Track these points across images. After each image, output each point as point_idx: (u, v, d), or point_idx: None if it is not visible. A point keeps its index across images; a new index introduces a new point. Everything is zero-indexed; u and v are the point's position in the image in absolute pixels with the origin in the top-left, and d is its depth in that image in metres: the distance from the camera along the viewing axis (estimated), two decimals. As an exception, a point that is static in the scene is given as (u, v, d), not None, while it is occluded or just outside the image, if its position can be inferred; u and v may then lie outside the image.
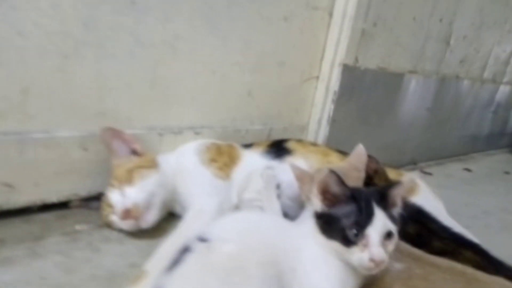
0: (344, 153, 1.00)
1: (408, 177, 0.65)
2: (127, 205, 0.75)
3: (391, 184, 0.65)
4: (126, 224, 0.76)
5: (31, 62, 0.73)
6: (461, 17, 1.63)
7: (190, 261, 0.55)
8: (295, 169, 0.81)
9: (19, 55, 0.72)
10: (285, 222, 0.73)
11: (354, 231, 0.56)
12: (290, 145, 1.01)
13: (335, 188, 0.59)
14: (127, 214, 0.75)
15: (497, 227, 1.22)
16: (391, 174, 0.97)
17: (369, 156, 0.88)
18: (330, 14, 1.20)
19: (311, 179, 0.77)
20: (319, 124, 1.28)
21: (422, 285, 0.61)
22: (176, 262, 0.56)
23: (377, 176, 0.87)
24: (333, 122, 1.27)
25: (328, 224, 0.59)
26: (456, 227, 0.91)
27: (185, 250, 0.57)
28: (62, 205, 0.85)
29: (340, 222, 0.57)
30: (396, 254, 0.66)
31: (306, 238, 0.63)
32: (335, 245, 0.58)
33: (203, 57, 0.97)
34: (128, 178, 0.77)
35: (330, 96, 1.25)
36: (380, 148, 1.50)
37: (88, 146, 0.84)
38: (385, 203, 0.60)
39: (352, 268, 0.59)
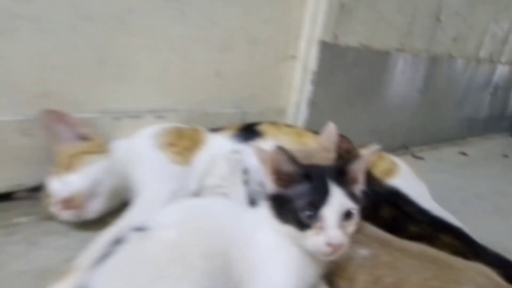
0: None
1: (368, 149, 0.57)
2: (67, 193, 0.67)
3: (350, 159, 0.58)
4: (67, 215, 0.69)
5: (-46, 37, 0.66)
6: (452, -9, 1.53)
7: (120, 252, 0.48)
8: (259, 151, 0.73)
9: None
10: (240, 208, 0.66)
11: (308, 212, 0.51)
12: (262, 127, 0.93)
13: (286, 167, 0.53)
14: (67, 203, 0.67)
15: (488, 211, 1.15)
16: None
17: (341, 136, 0.80)
18: (305, -13, 1.11)
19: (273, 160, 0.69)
20: (298, 107, 1.20)
21: (388, 273, 0.54)
22: (105, 254, 0.49)
23: (348, 156, 0.80)
24: (313, 104, 1.19)
25: (282, 207, 0.54)
26: (439, 211, 0.85)
27: (117, 241, 0.50)
28: (5, 197, 0.78)
29: (293, 204, 0.52)
30: (362, 239, 0.59)
31: (261, 225, 0.56)
32: (290, 229, 0.52)
33: (160, 33, 0.89)
34: (70, 165, 0.70)
35: (309, 77, 1.16)
36: (367, 131, 1.43)
37: (31, 131, 0.77)
38: (343, 180, 0.54)
39: (311, 255, 0.53)
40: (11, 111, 0.74)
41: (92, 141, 0.77)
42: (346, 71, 1.25)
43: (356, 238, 0.59)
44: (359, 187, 0.56)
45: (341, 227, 0.51)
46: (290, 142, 0.91)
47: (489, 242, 0.70)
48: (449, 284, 0.50)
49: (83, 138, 0.77)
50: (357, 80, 1.29)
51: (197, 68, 0.98)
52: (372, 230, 0.62)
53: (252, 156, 0.76)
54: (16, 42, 0.72)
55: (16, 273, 0.59)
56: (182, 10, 0.91)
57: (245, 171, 0.81)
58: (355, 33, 1.22)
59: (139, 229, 0.51)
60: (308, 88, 1.17)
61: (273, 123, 0.99)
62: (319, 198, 0.51)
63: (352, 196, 0.53)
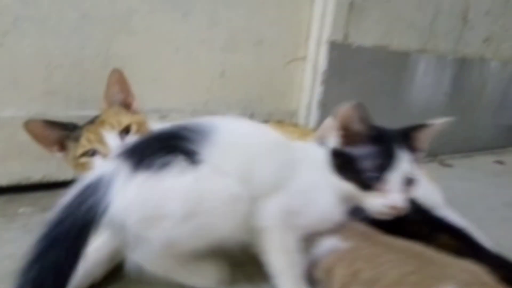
0: None
1: (439, 120, 0.60)
2: None
3: (420, 124, 0.58)
4: None
5: (-34, 37, 0.72)
6: (480, -11, 1.45)
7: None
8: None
9: (-48, 30, 0.71)
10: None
11: (373, 174, 0.52)
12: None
13: (357, 125, 0.53)
14: None
15: None
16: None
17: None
18: (313, -13, 1.11)
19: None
20: (309, 109, 1.18)
21: (367, 267, 0.50)
22: None
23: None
24: (324, 106, 1.16)
25: (345, 165, 0.55)
26: (450, 215, 0.79)
27: None
28: (13, 189, 0.83)
29: (358, 164, 0.53)
30: (345, 232, 0.56)
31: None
32: (350, 187, 0.54)
33: (162, 34, 0.91)
34: (123, 128, 0.70)
35: (319, 78, 1.14)
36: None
37: (37, 127, 0.81)
38: (410, 145, 0.55)
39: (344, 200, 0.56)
40: (19, 108, 0.79)
41: (137, 114, 0.76)
42: (359, 72, 1.21)
43: (339, 230, 0.57)
44: (421, 154, 0.57)
45: (403, 191, 0.52)
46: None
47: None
48: (427, 280, 0.45)
49: (127, 107, 0.76)
50: (372, 81, 1.25)
51: (201, 68, 0.99)
52: (357, 224, 0.58)
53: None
54: (23, 42, 0.77)
55: (8, 255, 0.62)
56: (185, 11, 0.93)
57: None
58: (368, 33, 1.18)
59: None
60: (318, 89, 1.15)
61: (279, 122, 0.98)
62: (386, 161, 0.52)
63: (414, 162, 0.54)
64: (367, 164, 0.53)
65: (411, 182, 0.53)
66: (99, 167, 0.63)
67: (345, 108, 0.53)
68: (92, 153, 0.69)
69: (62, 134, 0.71)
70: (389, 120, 1.35)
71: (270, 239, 0.55)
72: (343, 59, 1.15)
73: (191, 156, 0.50)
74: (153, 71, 0.92)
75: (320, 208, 0.56)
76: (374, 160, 0.52)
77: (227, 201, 0.50)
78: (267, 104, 1.14)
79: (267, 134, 0.60)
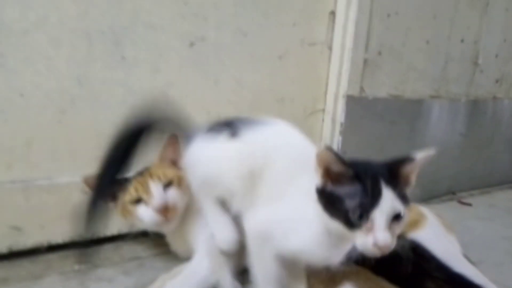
0: None
1: (423, 152, 0.59)
2: (171, 202, 0.79)
3: (404, 158, 0.57)
4: (156, 218, 0.78)
5: (33, 117, 0.84)
6: (488, 35, 1.53)
7: None
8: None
9: (22, 112, 0.82)
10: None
11: (358, 214, 0.53)
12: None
13: (336, 166, 0.54)
14: (165, 210, 0.78)
15: None
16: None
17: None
18: (330, 48, 1.21)
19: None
20: (329, 157, 1.25)
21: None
22: None
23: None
24: (343, 153, 1.24)
25: (331, 204, 0.55)
26: (466, 268, 0.82)
27: None
28: (67, 246, 0.92)
29: (343, 203, 0.54)
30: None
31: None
32: (339, 226, 0.55)
33: (196, 100, 1.02)
34: (169, 181, 0.82)
35: (337, 128, 1.23)
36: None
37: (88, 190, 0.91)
38: (395, 181, 0.54)
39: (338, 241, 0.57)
40: (74, 173, 0.90)
41: (180, 170, 0.85)
42: (376, 120, 1.29)
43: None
44: (410, 188, 0.57)
45: (390, 229, 0.53)
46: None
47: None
48: None
49: (174, 163, 0.87)
50: (388, 129, 1.32)
51: (230, 127, 1.09)
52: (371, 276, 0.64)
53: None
54: (78, 118, 0.88)
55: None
56: (215, 79, 1.04)
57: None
58: (382, 84, 1.27)
59: None
60: (337, 138, 1.23)
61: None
62: (369, 200, 0.52)
63: (402, 197, 0.54)
64: (350, 203, 0.53)
65: (398, 218, 0.53)
66: (142, 214, 0.78)
67: (321, 152, 0.54)
68: (137, 201, 0.79)
69: (114, 186, 0.82)
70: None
71: (248, 243, 0.67)
72: (360, 110, 1.24)
73: (232, 133, 0.70)
74: (187, 133, 1.03)
75: (301, 241, 0.59)
76: (356, 199, 0.53)
77: (236, 160, 0.67)
78: (290, 155, 1.22)
79: (302, 150, 0.68)
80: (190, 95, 1.01)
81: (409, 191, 0.56)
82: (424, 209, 1.01)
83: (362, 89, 1.23)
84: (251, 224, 0.65)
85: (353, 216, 0.53)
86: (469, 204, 1.52)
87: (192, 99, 1.01)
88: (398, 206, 0.53)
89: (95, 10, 0.84)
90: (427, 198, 1.51)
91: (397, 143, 1.38)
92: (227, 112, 1.07)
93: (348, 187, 0.54)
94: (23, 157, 0.85)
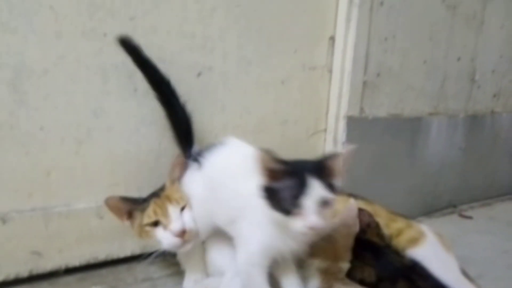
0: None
1: (346, 148, 0.73)
2: (188, 226, 0.85)
3: (328, 155, 0.70)
4: (174, 241, 0.83)
5: (52, 149, 0.89)
6: (484, 53, 1.58)
7: None
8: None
9: (42, 144, 0.88)
10: None
11: (291, 202, 0.64)
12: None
13: (273, 165, 0.66)
14: (183, 234, 0.83)
15: None
16: (399, 222, 0.97)
17: (361, 210, 0.89)
18: (330, 71, 1.26)
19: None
20: (332, 175, 1.30)
21: None
22: None
23: (369, 229, 0.88)
24: (346, 171, 1.28)
25: (271, 197, 0.67)
26: (467, 286, 0.86)
27: None
28: (84, 268, 0.97)
29: (279, 195, 0.65)
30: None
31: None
32: (277, 215, 0.66)
33: (204, 125, 1.06)
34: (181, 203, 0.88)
35: (339, 148, 1.27)
36: (408, 192, 1.47)
37: (104, 214, 0.96)
38: (322, 173, 0.66)
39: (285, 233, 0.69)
40: (90, 200, 0.95)
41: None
42: (376, 139, 1.33)
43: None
44: (338, 179, 0.68)
45: (319, 213, 0.64)
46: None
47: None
48: None
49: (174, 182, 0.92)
50: (388, 146, 1.37)
51: (236, 150, 1.14)
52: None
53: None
54: (94, 148, 0.94)
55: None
56: (222, 106, 1.10)
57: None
58: (381, 105, 1.32)
59: None
60: (339, 158, 1.28)
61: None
62: (299, 190, 0.63)
63: (330, 187, 0.65)
64: (285, 195, 0.64)
65: (327, 203, 0.65)
66: (161, 237, 0.83)
67: (259, 155, 0.65)
68: (155, 223, 0.84)
69: (131, 206, 0.88)
70: (407, 178, 1.46)
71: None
72: (360, 130, 1.28)
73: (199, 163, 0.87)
74: (196, 158, 1.08)
75: (260, 239, 0.72)
76: (289, 191, 0.64)
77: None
78: (294, 174, 1.27)
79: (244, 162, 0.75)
80: (198, 121, 1.06)
81: (337, 182, 0.68)
82: (424, 227, 1.04)
83: (362, 109, 1.28)
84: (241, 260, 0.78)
85: (288, 205, 0.64)
86: (470, 217, 1.56)
87: (201, 125, 1.07)
88: (325, 194, 0.64)
89: (109, 47, 0.90)
90: (429, 212, 1.56)
91: (398, 160, 1.42)
92: (234, 135, 1.13)
93: (283, 182, 0.65)
94: (43, 186, 0.90)
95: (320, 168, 0.66)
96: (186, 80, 1.02)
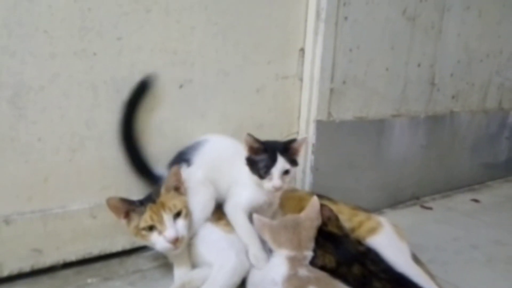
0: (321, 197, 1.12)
1: (301, 137, 1.23)
2: (182, 234, 0.94)
3: (292, 139, 1.02)
4: (166, 246, 0.93)
5: (49, 158, 0.99)
6: (443, 59, 1.73)
7: None
8: (257, 220, 0.97)
9: (40, 154, 0.98)
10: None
11: (264, 170, 0.96)
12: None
13: (254, 144, 0.98)
14: (176, 240, 0.92)
15: (480, 262, 1.24)
16: (360, 216, 1.11)
17: (323, 205, 1.01)
18: (301, 80, 1.39)
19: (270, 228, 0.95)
20: (304, 173, 1.43)
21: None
22: None
23: (330, 222, 1.00)
24: (316, 170, 1.42)
25: (252, 165, 0.99)
26: (413, 269, 0.99)
27: None
28: (80, 262, 1.08)
29: (257, 165, 0.97)
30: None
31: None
32: (255, 177, 0.98)
33: (186, 133, 1.18)
34: (178, 211, 0.97)
35: (310, 148, 1.41)
36: (375, 187, 1.62)
37: (96, 214, 1.07)
38: (287, 152, 0.98)
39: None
40: (83, 201, 1.06)
41: (183, 195, 1.01)
42: (343, 140, 1.47)
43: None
44: (298, 157, 1.01)
45: (281, 178, 0.96)
46: (291, 206, 1.13)
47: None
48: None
49: (177, 189, 1.01)
50: (355, 146, 1.51)
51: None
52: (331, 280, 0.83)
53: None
54: (86, 155, 1.04)
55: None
56: (202, 113, 1.21)
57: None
58: (347, 109, 1.46)
59: None
60: (310, 157, 1.41)
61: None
62: (270, 162, 0.95)
63: (292, 161, 0.97)
64: (261, 164, 0.96)
65: (287, 172, 0.97)
66: (155, 241, 0.94)
67: (247, 137, 0.97)
68: (150, 228, 0.94)
69: (129, 207, 0.97)
70: (373, 174, 1.61)
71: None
72: (329, 132, 1.42)
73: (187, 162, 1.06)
74: (179, 161, 1.19)
75: (248, 193, 1.01)
76: (264, 162, 0.96)
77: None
78: (269, 173, 1.40)
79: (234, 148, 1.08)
80: (181, 129, 1.18)
81: (298, 158, 1.01)
82: (382, 219, 1.17)
83: (330, 114, 1.41)
84: (229, 205, 1.03)
85: (262, 172, 0.96)
86: (430, 208, 1.72)
87: (183, 132, 1.18)
88: (287, 166, 0.96)
89: (99, 65, 1.00)
90: (393, 204, 1.71)
91: (364, 158, 1.57)
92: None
93: (260, 156, 0.97)
94: (41, 190, 1.00)
95: (286, 148, 0.98)
96: (169, 92, 1.13)
